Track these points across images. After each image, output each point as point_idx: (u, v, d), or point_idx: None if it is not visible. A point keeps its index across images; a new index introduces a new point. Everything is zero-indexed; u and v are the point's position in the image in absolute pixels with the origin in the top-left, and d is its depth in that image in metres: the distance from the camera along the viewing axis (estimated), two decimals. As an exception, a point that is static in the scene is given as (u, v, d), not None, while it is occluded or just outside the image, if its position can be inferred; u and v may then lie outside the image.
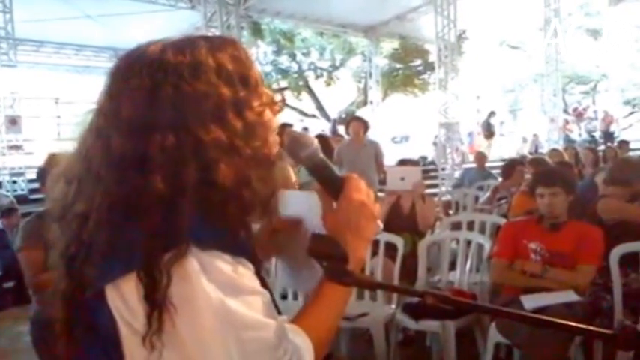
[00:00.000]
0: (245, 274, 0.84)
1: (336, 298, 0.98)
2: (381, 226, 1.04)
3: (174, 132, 0.82)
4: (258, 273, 0.88)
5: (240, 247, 0.86)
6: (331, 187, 1.03)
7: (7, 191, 9.66)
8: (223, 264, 0.81)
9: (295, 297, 3.65)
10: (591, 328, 0.82)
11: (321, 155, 1.03)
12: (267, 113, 0.93)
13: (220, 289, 0.78)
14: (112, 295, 0.79)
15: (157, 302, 0.76)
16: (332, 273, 0.93)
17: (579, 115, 19.54)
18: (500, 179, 6.98)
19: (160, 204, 0.80)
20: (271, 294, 0.89)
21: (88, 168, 0.86)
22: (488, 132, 17.09)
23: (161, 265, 0.76)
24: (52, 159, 2.81)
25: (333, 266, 0.95)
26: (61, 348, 0.89)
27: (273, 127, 0.94)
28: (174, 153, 0.82)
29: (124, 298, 0.78)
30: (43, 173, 2.75)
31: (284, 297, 3.67)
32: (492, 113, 17.85)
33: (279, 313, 0.90)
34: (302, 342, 0.89)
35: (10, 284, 5.99)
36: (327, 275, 0.96)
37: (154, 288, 0.76)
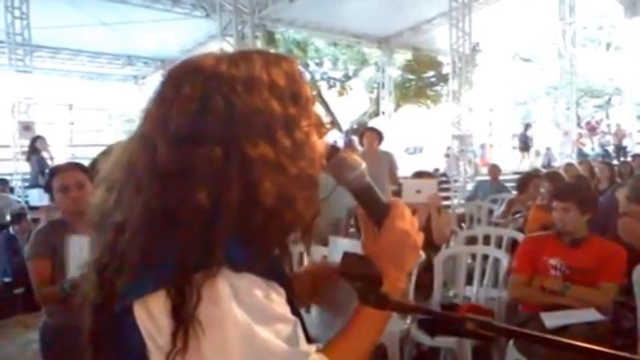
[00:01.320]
0: (276, 300, 0.81)
1: (369, 324, 0.92)
2: (423, 256, 0.99)
3: (222, 145, 0.80)
4: (289, 299, 0.85)
5: (273, 271, 0.82)
6: (375, 212, 0.98)
7: (19, 197, 9.67)
8: (255, 288, 0.78)
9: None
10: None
11: (368, 178, 0.98)
12: (314, 134, 0.91)
13: (250, 315, 0.75)
14: (140, 312, 0.77)
15: (183, 320, 0.74)
16: (365, 296, 0.87)
17: (592, 129, 19.39)
18: (514, 192, 6.88)
19: (200, 219, 0.77)
20: (302, 320, 0.86)
21: (129, 176, 0.83)
22: (525, 145, 16.90)
23: (192, 283, 0.74)
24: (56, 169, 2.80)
25: (366, 288, 0.89)
26: (87, 358, 0.88)
27: (320, 148, 0.92)
28: (220, 167, 0.79)
29: (152, 315, 0.76)
30: (49, 184, 2.72)
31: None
32: (529, 125, 17.66)
33: (309, 341, 0.86)
34: None
35: (20, 290, 5.98)
36: (361, 299, 0.90)
37: (182, 305, 0.74)
